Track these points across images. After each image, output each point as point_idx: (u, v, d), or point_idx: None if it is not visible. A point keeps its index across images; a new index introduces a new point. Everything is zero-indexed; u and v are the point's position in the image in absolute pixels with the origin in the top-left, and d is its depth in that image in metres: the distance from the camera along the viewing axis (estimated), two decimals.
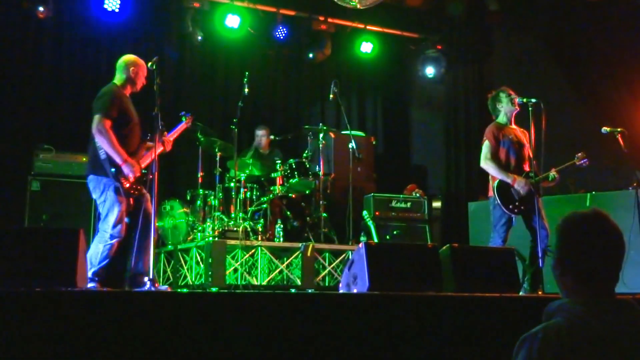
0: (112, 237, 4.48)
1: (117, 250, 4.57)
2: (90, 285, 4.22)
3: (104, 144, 4.46)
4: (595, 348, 1.66)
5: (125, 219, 4.52)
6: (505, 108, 5.45)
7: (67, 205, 6.31)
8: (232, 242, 6.13)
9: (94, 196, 4.62)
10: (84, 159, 6.55)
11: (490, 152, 5.32)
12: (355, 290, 4.11)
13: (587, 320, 1.69)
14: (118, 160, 4.45)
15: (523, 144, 5.43)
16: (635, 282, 4.81)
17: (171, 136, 5.04)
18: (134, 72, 4.77)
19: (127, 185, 4.48)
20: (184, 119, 5.32)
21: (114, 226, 4.46)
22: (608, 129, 5.61)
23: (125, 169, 4.46)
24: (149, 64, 4.77)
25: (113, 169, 4.45)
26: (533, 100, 5.27)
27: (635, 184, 5.61)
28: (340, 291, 4.44)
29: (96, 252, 4.47)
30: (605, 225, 1.81)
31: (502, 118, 5.49)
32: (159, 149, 4.70)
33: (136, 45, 7.26)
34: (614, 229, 1.82)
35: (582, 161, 5.27)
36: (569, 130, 7.58)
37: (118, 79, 4.80)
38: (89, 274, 4.27)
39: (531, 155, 5.44)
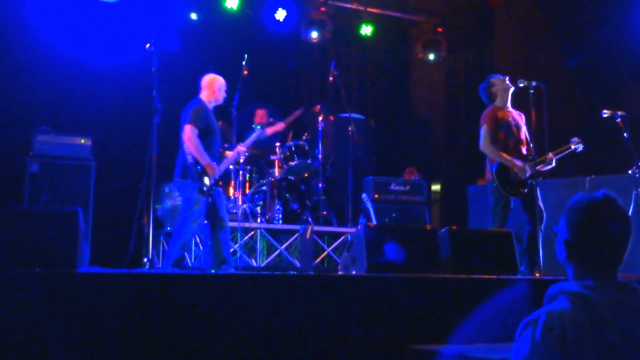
0: (192, 230, 5.08)
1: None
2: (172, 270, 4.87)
3: (192, 150, 5.06)
4: (598, 330, 1.65)
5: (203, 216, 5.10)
6: (500, 90, 5.44)
7: (66, 186, 6.30)
8: (232, 224, 6.13)
9: (179, 194, 5.31)
10: (83, 141, 6.57)
11: (489, 135, 5.30)
12: (354, 272, 4.12)
13: (589, 303, 1.69)
14: (203, 163, 5.05)
15: (520, 127, 5.42)
16: (633, 264, 4.83)
17: (246, 145, 5.65)
18: (217, 89, 5.35)
19: (208, 184, 5.05)
20: (259, 126, 6.03)
21: (194, 221, 5.04)
22: (608, 113, 5.60)
23: (209, 171, 5.06)
24: (147, 45, 4.79)
25: (199, 170, 5.04)
26: (534, 83, 5.24)
27: (635, 168, 5.60)
28: (339, 273, 4.46)
29: (177, 242, 5.06)
30: (613, 209, 1.80)
31: (499, 101, 5.46)
32: (234, 156, 5.56)
33: (134, 27, 7.21)
34: (622, 213, 1.80)
35: (577, 145, 5.26)
36: (569, 113, 7.56)
37: (204, 95, 5.34)
38: (171, 261, 4.96)
39: (528, 138, 5.43)
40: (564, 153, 5.29)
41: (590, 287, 1.73)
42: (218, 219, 5.20)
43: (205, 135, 5.15)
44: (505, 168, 5.22)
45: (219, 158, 5.29)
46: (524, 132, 5.43)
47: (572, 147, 5.26)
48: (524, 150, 5.37)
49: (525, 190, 5.20)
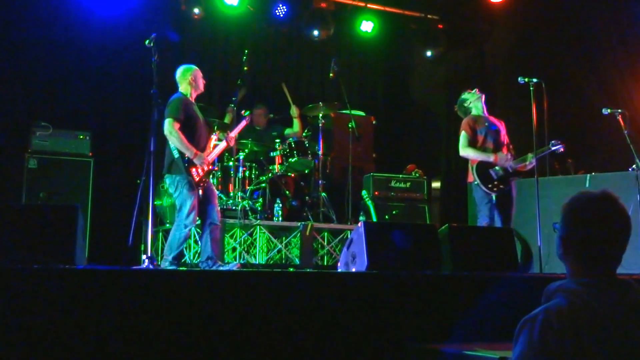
0: (186, 225, 5.00)
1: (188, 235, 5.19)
2: (171, 267, 4.86)
3: (176, 142, 5.03)
4: (596, 328, 1.65)
5: (196, 209, 5.04)
6: (473, 101, 5.65)
7: (65, 182, 6.29)
8: (231, 221, 6.12)
9: (170, 191, 5.22)
10: (81, 137, 6.55)
11: (467, 141, 5.53)
12: (353, 269, 4.11)
13: (587, 301, 1.68)
14: (189, 154, 5.02)
15: (500, 130, 5.61)
16: (632, 263, 4.81)
17: (233, 133, 5.72)
18: (193, 79, 5.31)
19: (197, 178, 5.04)
20: (244, 115, 5.98)
21: (187, 216, 4.99)
22: (609, 110, 5.60)
23: (197, 161, 5.04)
24: (146, 41, 4.78)
25: (186, 164, 5.01)
26: (534, 80, 5.27)
27: (635, 166, 5.60)
28: (339, 270, 4.44)
29: (174, 239, 5.02)
30: (612, 207, 1.79)
31: (474, 112, 5.67)
32: (223, 146, 5.58)
33: (134, 23, 7.18)
34: (621, 211, 1.79)
35: (557, 147, 5.31)
36: (570, 110, 7.55)
37: (182, 88, 5.32)
38: (169, 258, 4.94)
39: (508, 141, 5.62)
40: (544, 154, 5.37)
41: (587, 285, 1.73)
42: (208, 214, 5.18)
43: (187, 128, 5.11)
44: (485, 166, 5.40)
45: (203, 149, 5.20)
46: (503, 136, 5.62)
47: (552, 148, 5.32)
48: (504, 151, 5.54)
49: (507, 188, 5.36)
